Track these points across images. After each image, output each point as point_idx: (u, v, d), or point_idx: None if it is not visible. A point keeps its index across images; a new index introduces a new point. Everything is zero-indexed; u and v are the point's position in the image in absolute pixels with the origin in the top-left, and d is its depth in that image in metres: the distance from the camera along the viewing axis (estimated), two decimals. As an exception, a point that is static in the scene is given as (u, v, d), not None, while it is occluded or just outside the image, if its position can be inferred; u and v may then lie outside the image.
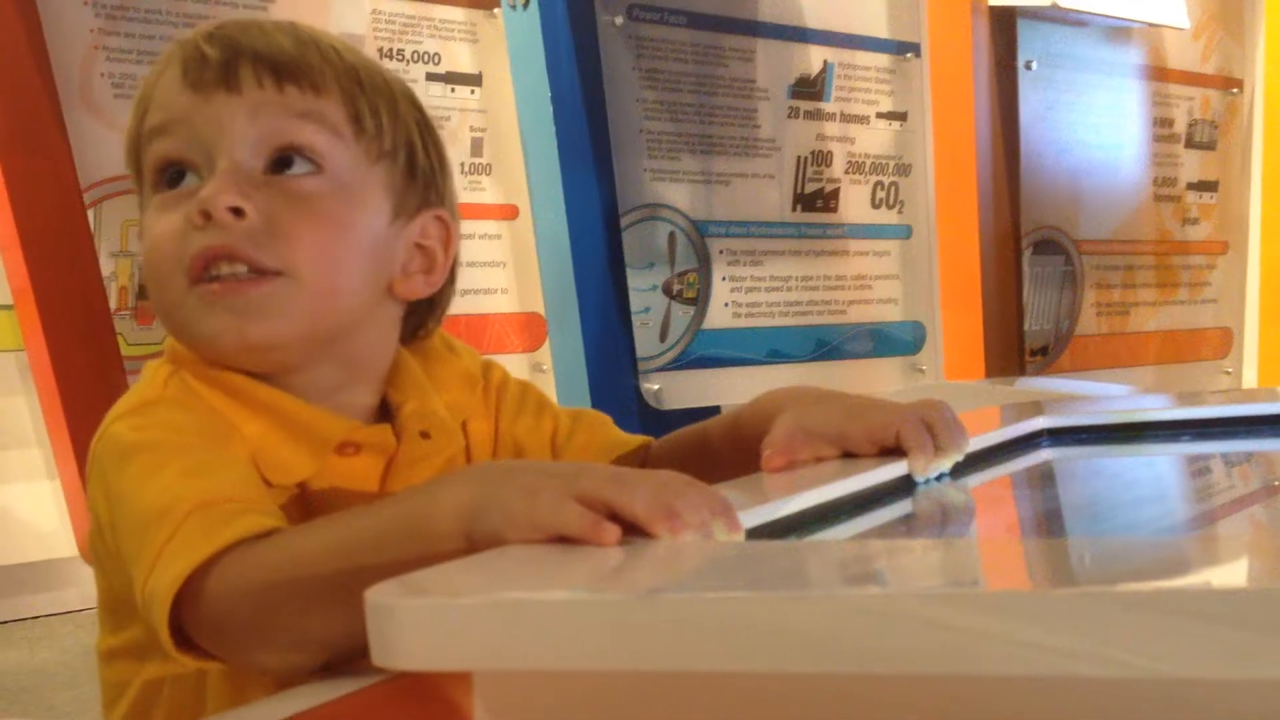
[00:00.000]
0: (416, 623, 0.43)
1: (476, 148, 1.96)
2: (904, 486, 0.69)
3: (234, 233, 0.71)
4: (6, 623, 1.78)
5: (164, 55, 0.75)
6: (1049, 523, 0.71)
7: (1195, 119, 3.02)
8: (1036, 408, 0.98)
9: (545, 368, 2.04)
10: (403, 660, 0.44)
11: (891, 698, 0.41)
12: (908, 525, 0.65)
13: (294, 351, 0.74)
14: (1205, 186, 3.06)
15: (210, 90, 0.72)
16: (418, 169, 0.78)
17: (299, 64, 0.74)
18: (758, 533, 0.56)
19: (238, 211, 0.71)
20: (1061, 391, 1.85)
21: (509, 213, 2.01)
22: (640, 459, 0.86)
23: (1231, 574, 0.43)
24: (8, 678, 1.60)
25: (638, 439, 0.88)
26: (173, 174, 0.73)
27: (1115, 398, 1.70)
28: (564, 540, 0.52)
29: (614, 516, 0.52)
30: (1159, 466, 0.95)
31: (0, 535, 1.73)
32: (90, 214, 1.62)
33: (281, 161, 0.73)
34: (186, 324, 0.73)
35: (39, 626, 1.76)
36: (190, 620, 0.61)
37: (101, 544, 0.70)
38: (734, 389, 2.19)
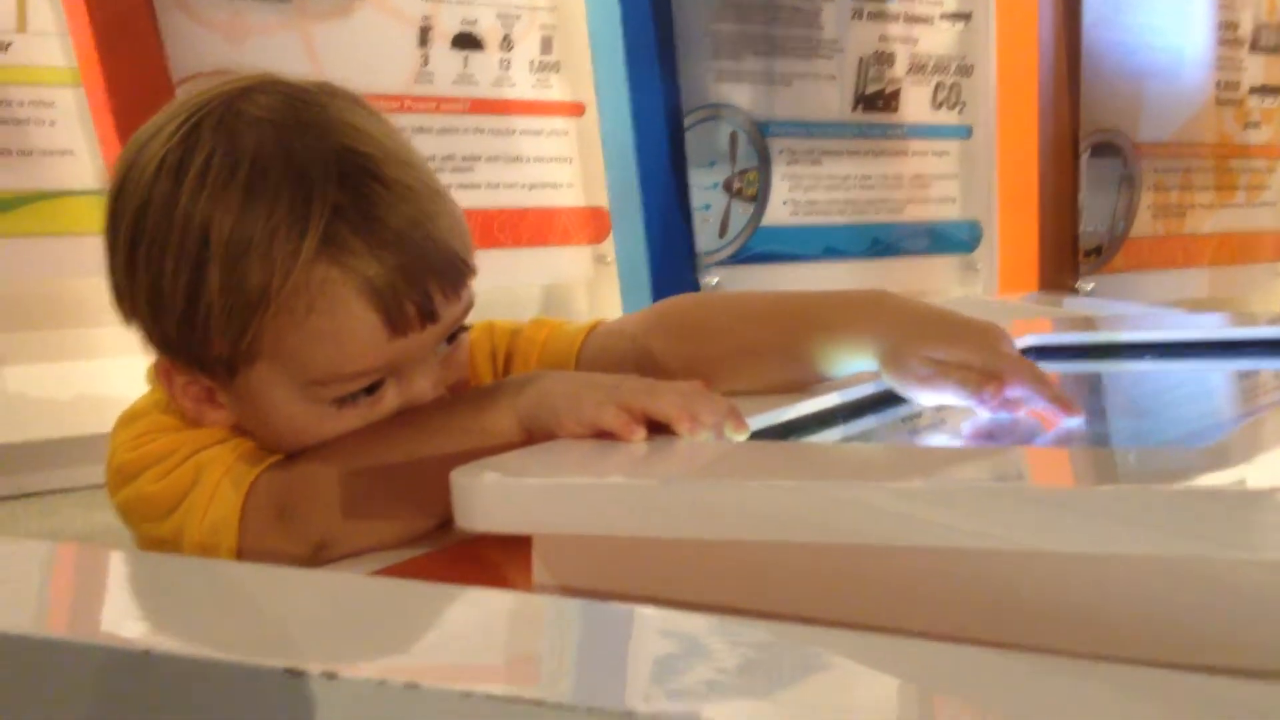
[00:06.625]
0: (493, 496, 0.56)
1: (546, 46, 1.99)
2: (894, 397, 0.81)
3: None
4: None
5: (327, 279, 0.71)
6: (1017, 431, 0.80)
7: (1261, 23, 2.99)
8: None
9: (609, 260, 2.09)
10: (481, 524, 0.57)
11: (858, 561, 0.53)
12: (893, 431, 0.77)
13: None
14: (1268, 91, 3.04)
15: (413, 330, 0.73)
16: None
17: (464, 261, 0.76)
18: (763, 434, 0.68)
19: None
20: (1111, 315, 1.88)
21: (576, 110, 2.05)
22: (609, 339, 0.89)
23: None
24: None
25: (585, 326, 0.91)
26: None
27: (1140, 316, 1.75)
28: (603, 435, 0.65)
29: (644, 420, 0.65)
30: (1148, 382, 1.04)
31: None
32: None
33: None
34: None
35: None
36: (257, 527, 0.70)
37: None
38: (790, 284, 2.23)
